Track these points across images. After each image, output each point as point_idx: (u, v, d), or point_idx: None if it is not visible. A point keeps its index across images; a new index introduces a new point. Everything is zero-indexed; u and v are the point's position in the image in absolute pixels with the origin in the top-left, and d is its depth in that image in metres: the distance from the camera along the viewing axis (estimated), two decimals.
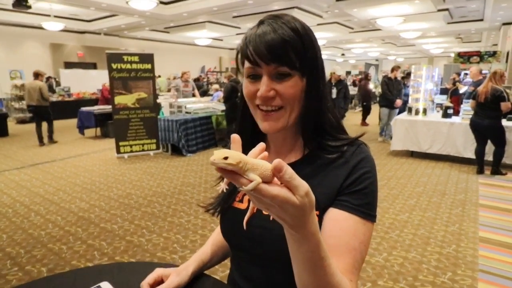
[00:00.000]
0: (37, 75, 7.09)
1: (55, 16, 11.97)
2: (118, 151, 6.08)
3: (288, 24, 0.62)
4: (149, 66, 6.07)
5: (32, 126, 10.16)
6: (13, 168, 5.49)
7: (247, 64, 0.65)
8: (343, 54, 25.89)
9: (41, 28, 12.48)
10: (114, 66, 5.80)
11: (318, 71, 0.67)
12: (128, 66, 5.90)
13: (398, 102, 7.09)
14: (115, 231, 3.20)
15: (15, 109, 10.81)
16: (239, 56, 0.68)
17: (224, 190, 0.51)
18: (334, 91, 7.39)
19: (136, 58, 5.95)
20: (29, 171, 5.31)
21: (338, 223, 0.64)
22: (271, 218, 0.70)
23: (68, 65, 14.86)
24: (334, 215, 0.65)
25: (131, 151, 6.17)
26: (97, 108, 8.31)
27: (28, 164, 5.70)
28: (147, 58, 6.07)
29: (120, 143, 6.08)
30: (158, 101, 6.83)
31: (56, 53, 14.95)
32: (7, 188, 4.47)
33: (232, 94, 6.52)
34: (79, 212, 3.67)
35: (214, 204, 0.81)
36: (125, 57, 5.88)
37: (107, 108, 7.94)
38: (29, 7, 9.00)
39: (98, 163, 5.74)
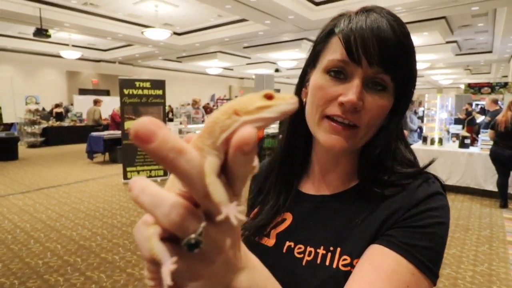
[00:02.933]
0: (96, 102, 9.27)
1: (73, 45, 12.46)
2: (125, 177, 5.97)
3: (403, 27, 0.50)
4: (160, 92, 6.11)
5: (42, 150, 10.23)
6: (18, 192, 5.40)
7: (337, 54, 0.50)
8: None
9: (58, 56, 12.95)
10: (126, 91, 5.84)
11: (411, 93, 0.55)
12: (140, 91, 5.94)
13: None
14: (116, 262, 3.01)
15: (27, 133, 10.94)
16: (326, 39, 0.53)
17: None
18: None
19: (147, 84, 6.00)
20: (34, 195, 5.20)
21: (370, 258, 0.46)
22: (304, 262, 0.55)
23: (83, 91, 15.25)
24: (369, 250, 0.48)
25: None
26: (106, 133, 8.33)
27: (34, 189, 5.61)
28: (159, 84, 6.12)
29: (128, 169, 5.98)
30: (168, 127, 6.81)
31: (72, 80, 15.41)
32: (9, 213, 4.35)
33: None
34: (80, 240, 3.49)
35: (244, 229, 0.63)
36: (137, 83, 5.94)
37: (117, 133, 7.95)
38: (49, 36, 9.36)
39: (104, 189, 5.62)
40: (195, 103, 8.48)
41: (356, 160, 0.58)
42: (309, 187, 0.63)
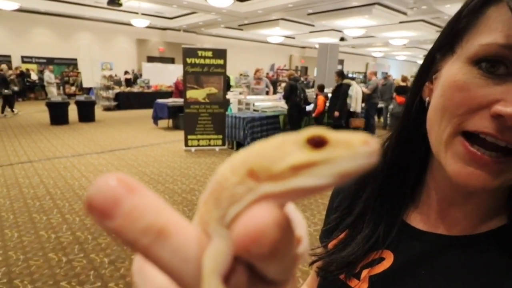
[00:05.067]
0: None
1: (142, 14, 12.99)
2: (186, 144, 6.20)
3: None
4: (221, 61, 6.05)
5: (114, 114, 11.15)
6: (94, 152, 5.95)
7: (499, 35, 0.30)
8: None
9: (129, 24, 13.67)
10: (188, 60, 5.90)
11: None
12: (202, 61, 5.95)
13: None
14: None
15: (102, 97, 11.96)
16: (480, 9, 0.33)
17: None
18: None
19: (209, 53, 5.97)
20: (107, 156, 5.69)
21: None
22: None
23: (150, 59, 16.08)
24: None
25: (198, 145, 6.25)
26: (171, 101, 8.70)
27: (107, 150, 6.14)
28: (220, 53, 6.05)
29: (189, 136, 6.19)
30: (227, 96, 6.82)
31: (141, 48, 16.29)
32: (86, 171, 4.82)
33: (291, 93, 6.46)
34: None
35: (327, 260, 0.48)
36: (199, 52, 5.94)
37: (180, 101, 8.24)
38: (121, 4, 9.84)
39: (166, 154, 5.92)
40: (255, 73, 8.27)
41: (505, 191, 0.38)
42: (419, 220, 0.45)
